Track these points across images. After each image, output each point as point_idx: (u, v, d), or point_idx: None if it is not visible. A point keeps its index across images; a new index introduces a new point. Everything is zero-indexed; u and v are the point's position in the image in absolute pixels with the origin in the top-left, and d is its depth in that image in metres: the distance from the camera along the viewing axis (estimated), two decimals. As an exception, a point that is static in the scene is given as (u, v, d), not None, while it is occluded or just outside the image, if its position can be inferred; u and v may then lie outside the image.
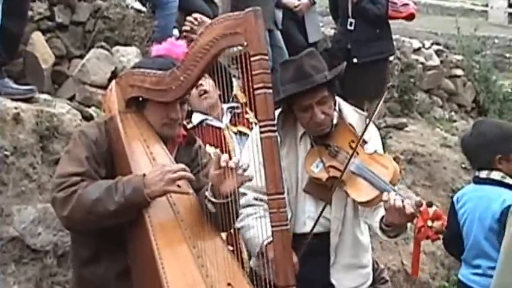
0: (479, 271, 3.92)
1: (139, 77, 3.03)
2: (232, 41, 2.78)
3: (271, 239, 3.00)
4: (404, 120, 8.79)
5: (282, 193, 2.71)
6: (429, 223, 3.05)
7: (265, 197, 3.44)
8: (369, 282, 3.75)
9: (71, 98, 5.40)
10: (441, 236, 3.17)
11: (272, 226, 2.72)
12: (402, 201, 3.07)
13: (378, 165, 3.37)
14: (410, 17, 7.71)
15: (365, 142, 3.46)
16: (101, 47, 5.61)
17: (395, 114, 8.96)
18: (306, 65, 3.42)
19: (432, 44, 10.40)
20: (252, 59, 2.71)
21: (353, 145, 3.44)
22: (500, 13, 22.64)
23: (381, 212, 3.28)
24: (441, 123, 9.57)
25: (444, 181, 7.99)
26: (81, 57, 5.76)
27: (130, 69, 3.19)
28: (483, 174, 4.00)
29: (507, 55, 18.26)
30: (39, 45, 5.37)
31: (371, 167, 3.36)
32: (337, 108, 3.59)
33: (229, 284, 2.88)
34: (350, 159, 3.36)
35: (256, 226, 3.34)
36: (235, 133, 4.26)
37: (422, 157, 8.04)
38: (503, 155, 3.89)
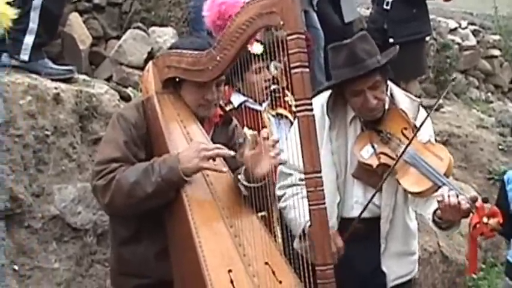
0: None
1: (175, 58, 3.04)
2: (268, 20, 2.76)
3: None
4: (440, 101, 8.71)
5: (319, 171, 2.69)
6: (485, 220, 2.99)
7: None
8: (416, 269, 3.73)
9: (108, 79, 5.45)
10: (496, 233, 3.10)
11: (310, 205, 2.71)
12: (457, 197, 3.02)
13: (432, 156, 3.31)
14: (449, -4, 7.64)
15: (419, 127, 3.38)
16: (138, 27, 5.65)
17: (431, 95, 8.88)
18: (359, 49, 3.33)
19: (468, 24, 10.27)
20: (288, 38, 2.69)
21: (406, 132, 3.38)
22: (539, -7, 22.25)
23: (434, 203, 3.20)
24: (477, 104, 9.47)
25: (481, 162, 7.91)
26: (118, 38, 5.81)
27: (167, 50, 3.20)
28: None
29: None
30: (77, 26, 5.42)
31: (425, 157, 3.29)
32: (389, 92, 3.53)
33: (266, 263, 2.90)
34: (404, 150, 3.29)
35: (299, 207, 3.27)
36: (274, 116, 4.27)
37: (458, 138, 7.96)
38: None
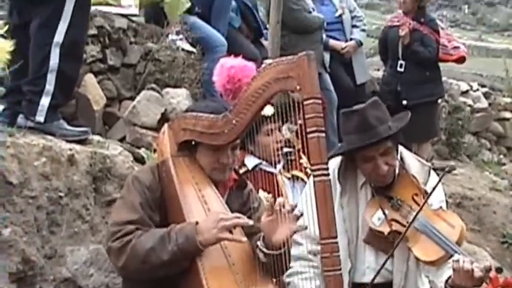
0: None
1: (191, 121, 3.05)
2: (285, 85, 2.79)
3: None
4: (452, 163, 8.70)
5: (335, 237, 2.68)
6: None
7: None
8: None
9: (122, 139, 5.47)
10: None
11: (325, 271, 2.69)
12: (472, 264, 2.99)
13: (443, 223, 3.29)
14: (461, 60, 7.73)
15: (429, 193, 3.37)
16: (152, 88, 5.69)
17: (443, 157, 8.89)
18: (370, 116, 3.34)
19: (480, 86, 10.33)
20: (305, 102, 2.71)
21: (417, 198, 3.37)
22: (546, 54, 22.54)
23: (447, 272, 3.18)
24: (490, 167, 9.45)
25: (494, 226, 7.84)
26: (131, 98, 5.84)
27: (183, 113, 3.21)
28: None
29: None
30: (91, 87, 5.46)
31: (436, 225, 3.27)
32: (399, 157, 3.52)
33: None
34: (415, 217, 3.27)
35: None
36: (289, 178, 4.25)
37: (471, 201, 7.91)
38: None
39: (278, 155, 4.14)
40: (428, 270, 3.42)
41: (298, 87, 2.72)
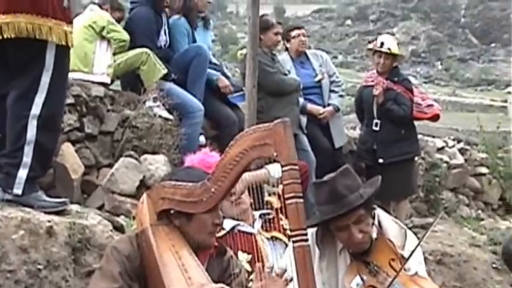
0: None
1: (169, 190, 3.05)
2: (262, 152, 2.81)
3: None
4: (431, 220, 8.72)
5: (316, 302, 2.70)
6: None
7: None
8: None
9: (101, 207, 5.46)
10: None
11: (311, 336, 2.69)
12: None
13: None
14: (435, 117, 7.82)
15: (406, 260, 3.37)
16: (130, 155, 5.71)
17: (422, 214, 8.92)
18: (340, 185, 3.37)
19: (456, 142, 10.44)
20: (282, 169, 2.74)
21: (393, 264, 3.36)
22: (519, 108, 22.92)
23: None
24: (468, 222, 9.48)
25: (475, 282, 7.83)
26: (110, 166, 5.85)
27: (161, 182, 3.22)
28: None
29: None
30: (69, 156, 5.47)
31: None
32: (376, 221, 3.54)
33: None
34: (389, 285, 3.27)
35: None
36: (268, 239, 4.25)
37: (451, 257, 7.91)
38: None
39: (253, 216, 4.17)
40: None
41: (275, 154, 2.75)
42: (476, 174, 10.35)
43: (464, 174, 10.07)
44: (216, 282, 3.00)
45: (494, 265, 8.11)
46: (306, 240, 2.72)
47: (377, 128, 7.47)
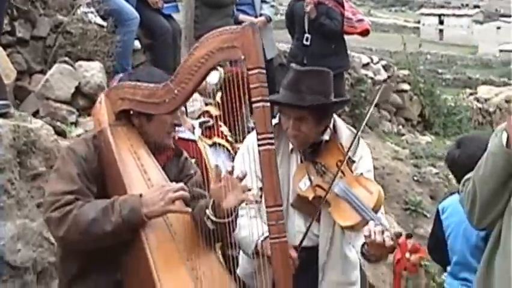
0: (468, 284, 3.92)
1: (129, 90, 2.99)
2: (229, 54, 2.78)
3: (267, 234, 3.01)
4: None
5: (281, 205, 2.73)
6: (408, 255, 3.04)
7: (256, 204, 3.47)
8: None
9: (34, 114, 5.33)
10: (419, 269, 3.13)
11: (271, 238, 2.73)
12: (383, 233, 3.04)
13: (362, 189, 3.33)
14: (365, 32, 7.85)
15: (353, 162, 3.44)
16: (64, 61, 5.57)
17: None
18: (304, 82, 3.37)
19: (380, 60, 10.62)
20: (249, 72, 2.72)
21: (340, 165, 3.42)
22: (431, 30, 23.34)
23: (363, 237, 3.22)
24: (390, 137, 9.74)
25: (397, 193, 8.11)
26: (42, 72, 5.71)
27: (121, 82, 3.14)
28: None
29: (439, 70, 18.71)
30: (1, 60, 5.29)
31: (356, 190, 3.31)
32: (331, 125, 3.57)
33: (223, 298, 2.88)
34: (332, 182, 3.34)
35: (249, 225, 3.32)
36: (210, 145, 4.31)
37: (376, 170, 8.10)
38: None
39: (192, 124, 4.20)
40: (349, 235, 3.49)
41: (242, 57, 2.73)
42: (399, 91, 10.57)
43: (387, 90, 10.27)
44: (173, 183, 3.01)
45: (415, 177, 8.40)
46: (272, 144, 2.73)
47: (308, 43, 7.50)
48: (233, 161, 4.47)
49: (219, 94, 4.54)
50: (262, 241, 3.30)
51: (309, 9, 7.32)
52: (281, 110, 3.48)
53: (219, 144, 4.34)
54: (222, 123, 4.40)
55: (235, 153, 4.49)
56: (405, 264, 3.07)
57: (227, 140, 4.43)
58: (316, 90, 3.40)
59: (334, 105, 3.52)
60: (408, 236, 3.11)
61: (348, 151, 3.41)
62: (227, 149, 4.47)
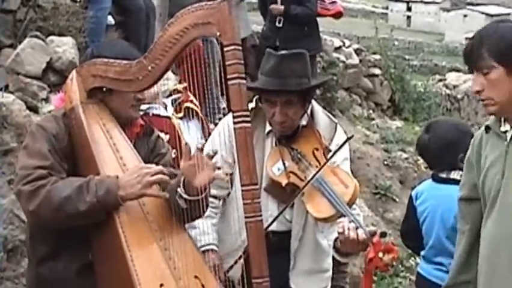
0: (443, 268, 3.95)
1: (101, 67, 2.94)
2: (204, 31, 2.73)
3: (212, 247, 3.23)
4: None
5: (256, 184, 2.70)
6: (381, 255, 3.04)
7: (221, 193, 3.44)
8: (329, 286, 3.74)
9: (4, 88, 5.24)
10: (390, 269, 3.13)
11: (246, 217, 2.70)
12: (357, 230, 3.04)
13: (338, 182, 3.32)
14: (338, 14, 7.85)
15: (329, 151, 3.41)
16: (36, 36, 5.48)
17: (319, 112, 9.06)
18: (287, 65, 3.36)
19: (351, 42, 10.63)
20: (225, 49, 2.67)
21: (317, 153, 3.40)
22: (399, 16, 23.53)
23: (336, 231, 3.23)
24: (360, 121, 9.76)
25: (367, 178, 8.13)
26: (12, 46, 5.62)
27: (93, 59, 3.08)
28: (443, 174, 4.02)
29: (406, 57, 18.82)
30: (-31, 34, 5.22)
31: (332, 183, 3.30)
32: (309, 111, 3.54)
33: (196, 277, 2.86)
34: (314, 175, 3.30)
35: (201, 227, 3.33)
36: (181, 118, 4.38)
37: (347, 154, 8.14)
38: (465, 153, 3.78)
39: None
40: (322, 226, 3.49)
41: (218, 34, 2.69)
42: (370, 75, 10.59)
43: (358, 74, 10.31)
44: (143, 162, 2.98)
45: (385, 162, 8.43)
46: (248, 121, 2.69)
47: (280, 25, 7.47)
48: (203, 131, 4.50)
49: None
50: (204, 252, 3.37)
51: (277, 12, 7.31)
52: (265, 97, 3.45)
53: (189, 110, 4.38)
54: (190, 94, 4.41)
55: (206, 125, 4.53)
56: (377, 264, 3.06)
57: (195, 105, 4.50)
58: (300, 73, 3.40)
59: (316, 87, 3.50)
60: (382, 235, 3.09)
61: (333, 154, 3.37)
62: (197, 113, 4.51)
